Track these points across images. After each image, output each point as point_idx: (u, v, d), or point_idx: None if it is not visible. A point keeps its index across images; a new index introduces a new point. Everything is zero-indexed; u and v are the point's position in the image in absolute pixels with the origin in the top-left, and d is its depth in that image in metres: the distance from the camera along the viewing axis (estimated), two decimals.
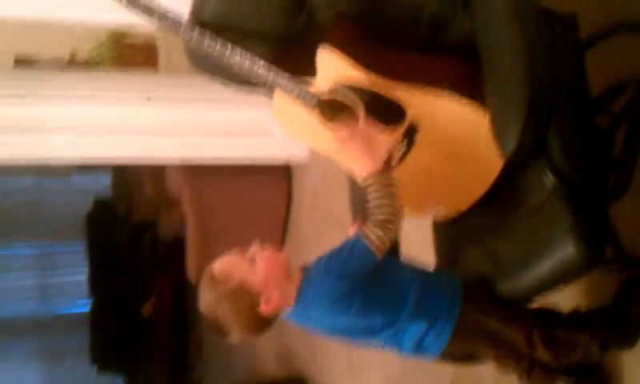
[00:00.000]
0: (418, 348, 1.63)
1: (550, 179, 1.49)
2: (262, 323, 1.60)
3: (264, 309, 1.55)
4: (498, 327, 1.64)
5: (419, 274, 1.71)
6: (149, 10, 1.66)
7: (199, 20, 1.73)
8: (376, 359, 3.35)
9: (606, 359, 1.87)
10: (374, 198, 1.55)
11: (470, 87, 1.63)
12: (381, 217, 1.53)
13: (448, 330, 1.60)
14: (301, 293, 1.58)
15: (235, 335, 1.59)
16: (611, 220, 1.69)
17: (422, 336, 1.61)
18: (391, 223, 1.53)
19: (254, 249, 1.62)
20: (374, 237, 1.52)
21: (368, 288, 1.57)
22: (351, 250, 1.55)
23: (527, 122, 1.37)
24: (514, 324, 1.65)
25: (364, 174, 1.58)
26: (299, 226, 4.48)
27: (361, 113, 1.69)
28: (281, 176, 4.55)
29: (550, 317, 1.73)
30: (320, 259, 1.59)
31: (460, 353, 1.67)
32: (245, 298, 1.56)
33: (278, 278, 1.59)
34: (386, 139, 1.71)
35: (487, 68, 1.56)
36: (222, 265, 1.61)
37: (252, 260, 1.60)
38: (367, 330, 1.63)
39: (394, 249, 1.69)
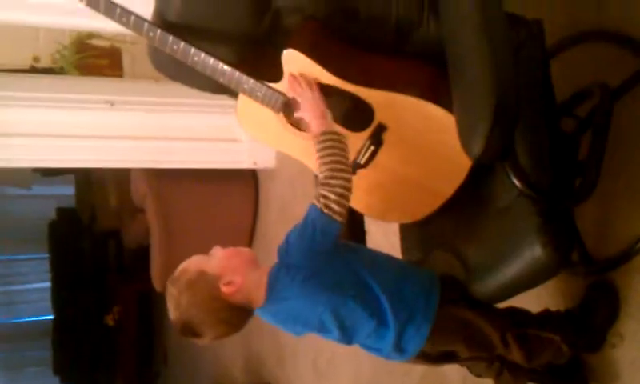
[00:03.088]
0: (398, 346, 1.59)
1: (516, 182, 1.49)
2: (232, 311, 1.55)
3: (226, 290, 1.52)
4: (475, 321, 1.62)
5: (393, 259, 1.71)
6: (110, 9, 1.63)
7: (162, 19, 1.70)
8: (343, 363, 3.33)
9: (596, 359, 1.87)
10: (317, 158, 1.53)
11: (437, 93, 1.63)
12: (322, 175, 1.51)
13: (427, 325, 1.57)
14: (272, 282, 1.55)
15: (207, 331, 1.55)
16: (576, 223, 1.71)
17: (401, 331, 1.56)
18: (334, 178, 1.49)
19: (215, 248, 1.61)
20: (322, 198, 1.49)
21: (338, 262, 1.55)
22: (305, 219, 1.52)
23: (493, 125, 1.37)
24: (488, 320, 1.64)
25: (313, 133, 1.56)
26: (266, 235, 4.43)
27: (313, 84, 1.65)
28: (247, 182, 4.51)
29: (521, 317, 1.73)
30: (283, 240, 1.57)
31: (435, 352, 1.65)
32: (202, 284, 1.53)
33: (239, 265, 1.57)
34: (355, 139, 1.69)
35: (454, 73, 1.56)
36: (181, 265, 1.59)
37: (211, 256, 1.59)
38: (344, 315, 1.56)
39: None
